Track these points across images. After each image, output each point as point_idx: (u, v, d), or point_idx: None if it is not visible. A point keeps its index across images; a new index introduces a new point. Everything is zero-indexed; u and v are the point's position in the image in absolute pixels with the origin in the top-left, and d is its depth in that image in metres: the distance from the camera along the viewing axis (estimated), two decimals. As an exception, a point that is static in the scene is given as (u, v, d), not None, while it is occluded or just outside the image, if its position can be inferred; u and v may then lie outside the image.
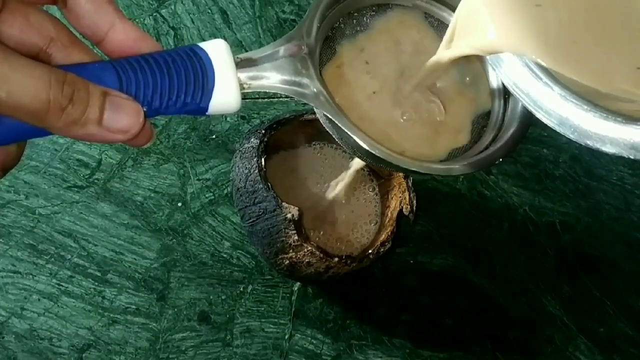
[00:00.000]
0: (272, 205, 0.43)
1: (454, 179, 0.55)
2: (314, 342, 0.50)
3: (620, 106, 0.27)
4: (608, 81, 0.28)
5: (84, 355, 0.49)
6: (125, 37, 0.25)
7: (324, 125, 0.35)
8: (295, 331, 0.50)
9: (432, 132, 0.35)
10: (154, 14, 0.59)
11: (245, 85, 0.28)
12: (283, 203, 0.43)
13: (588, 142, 0.27)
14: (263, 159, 0.44)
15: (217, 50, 0.26)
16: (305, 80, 0.29)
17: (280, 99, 0.58)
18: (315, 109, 0.33)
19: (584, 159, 0.56)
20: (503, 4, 0.29)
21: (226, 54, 0.27)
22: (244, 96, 0.27)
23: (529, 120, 0.33)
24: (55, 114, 0.22)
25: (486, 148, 0.34)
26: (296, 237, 0.42)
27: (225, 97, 0.27)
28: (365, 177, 0.51)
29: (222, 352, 0.49)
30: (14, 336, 0.49)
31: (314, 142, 0.51)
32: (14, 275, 0.51)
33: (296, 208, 0.43)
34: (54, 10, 0.26)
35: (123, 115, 0.24)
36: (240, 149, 0.46)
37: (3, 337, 0.49)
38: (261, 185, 0.43)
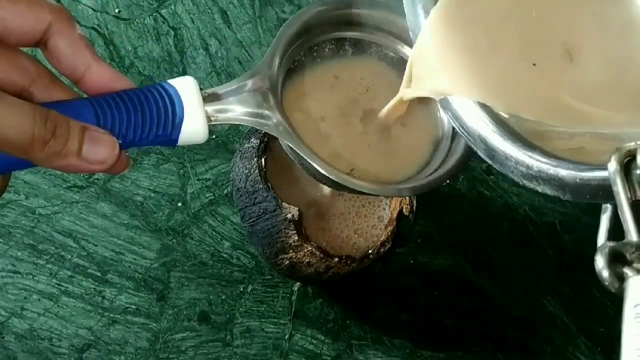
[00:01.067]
0: (272, 206, 0.43)
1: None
2: (314, 342, 0.50)
3: (558, 144, 0.29)
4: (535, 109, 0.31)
5: (84, 355, 0.49)
6: (100, 77, 0.28)
7: (287, 152, 0.37)
8: (295, 331, 0.50)
9: (387, 156, 0.38)
10: (154, 14, 0.59)
11: (212, 118, 0.30)
12: (283, 203, 0.43)
13: (525, 182, 0.29)
14: (263, 159, 0.44)
15: (185, 87, 0.29)
16: (267, 112, 0.32)
17: (280, 99, 0.58)
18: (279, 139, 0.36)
19: (584, 159, 0.56)
20: (451, 52, 0.32)
21: (194, 90, 0.29)
22: (211, 128, 0.30)
23: (471, 150, 0.34)
24: (39, 147, 0.24)
25: (435, 170, 0.36)
26: (296, 237, 0.42)
27: (193, 129, 0.29)
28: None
29: (222, 352, 0.49)
30: (14, 336, 0.49)
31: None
32: (14, 275, 0.51)
33: (296, 208, 0.43)
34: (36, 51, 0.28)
35: (100, 148, 0.26)
36: (240, 149, 0.46)
37: (3, 337, 0.49)
38: (261, 186, 0.43)
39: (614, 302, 0.52)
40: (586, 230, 0.54)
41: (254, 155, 0.44)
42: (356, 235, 0.48)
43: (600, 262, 0.24)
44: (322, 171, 0.33)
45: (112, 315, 0.50)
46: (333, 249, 0.47)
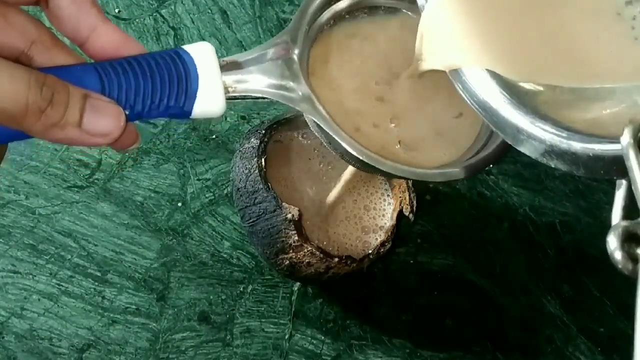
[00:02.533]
0: (272, 206, 0.43)
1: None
2: (314, 342, 0.50)
3: (573, 116, 0.27)
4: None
5: (84, 355, 0.49)
6: (108, 39, 0.25)
7: (312, 129, 0.34)
8: (295, 331, 0.50)
9: (426, 138, 0.34)
10: (154, 14, 0.59)
11: (230, 89, 0.27)
12: (283, 203, 0.43)
13: (538, 157, 0.27)
14: (263, 159, 0.44)
15: (201, 53, 0.26)
16: (291, 84, 0.29)
17: (280, 99, 0.58)
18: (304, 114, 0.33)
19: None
20: (460, 20, 0.30)
21: (211, 57, 0.26)
22: (230, 100, 0.27)
23: None
24: (34, 117, 0.22)
25: (477, 153, 0.33)
26: (296, 238, 0.42)
27: (209, 100, 0.26)
28: (371, 178, 0.51)
29: (222, 352, 0.49)
30: (14, 336, 0.49)
31: (315, 141, 0.51)
32: (14, 275, 0.51)
33: (296, 208, 0.43)
34: (35, 11, 0.26)
35: (103, 119, 0.24)
36: (240, 149, 0.46)
37: (3, 337, 0.49)
38: (261, 186, 0.43)
39: (614, 302, 0.52)
40: (586, 230, 0.54)
41: (254, 155, 0.44)
42: (356, 235, 0.49)
43: (612, 243, 0.22)
44: (352, 151, 0.30)
45: (112, 315, 0.50)
46: (333, 249, 0.47)
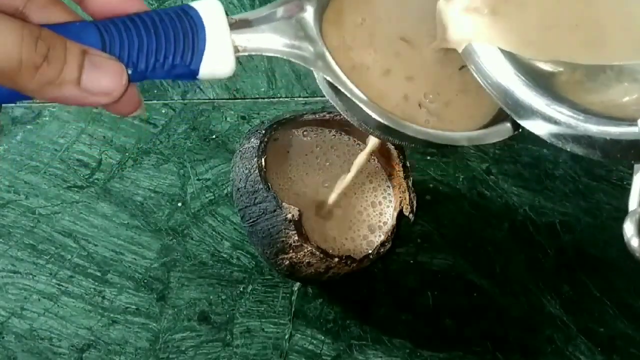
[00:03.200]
0: (272, 206, 0.43)
1: (454, 178, 0.55)
2: (314, 342, 0.50)
3: (591, 98, 0.27)
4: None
5: (84, 355, 0.49)
6: None
7: (326, 96, 0.32)
8: (295, 331, 0.50)
9: (448, 103, 0.33)
10: (154, 14, 0.59)
11: (240, 48, 0.26)
12: (283, 203, 0.43)
13: (553, 140, 0.27)
14: (263, 159, 0.44)
15: (209, 10, 0.25)
16: (305, 43, 0.27)
17: (280, 99, 0.58)
18: (316, 76, 0.31)
19: (584, 159, 0.56)
20: None
21: (220, 14, 0.25)
22: (239, 61, 0.26)
23: None
24: (28, 74, 0.20)
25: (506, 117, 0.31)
26: (296, 238, 0.42)
27: (217, 60, 0.25)
28: (373, 177, 0.51)
29: (222, 352, 0.49)
30: (14, 336, 0.49)
31: (315, 142, 0.51)
32: (14, 275, 0.51)
33: (296, 208, 0.43)
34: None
35: (104, 76, 0.22)
36: (240, 149, 0.46)
37: (3, 337, 0.49)
38: (261, 186, 0.43)
39: (614, 302, 0.52)
40: (586, 230, 0.54)
41: (254, 155, 0.44)
42: (356, 235, 0.48)
43: (629, 230, 0.22)
44: (371, 113, 0.28)
45: (112, 315, 0.50)
46: (333, 249, 0.47)
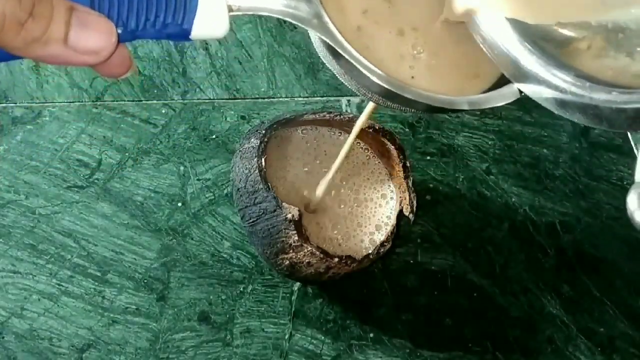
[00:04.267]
0: (272, 206, 0.43)
1: (454, 178, 0.55)
2: (314, 342, 0.50)
3: (600, 64, 0.26)
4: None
5: (84, 355, 0.49)
6: None
7: (323, 59, 0.31)
8: (295, 331, 0.50)
9: (447, 71, 0.32)
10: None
11: (234, 7, 0.25)
12: (283, 203, 0.43)
13: (560, 111, 0.26)
14: (263, 159, 0.44)
15: None
16: (301, 2, 0.27)
17: (280, 99, 0.58)
18: (313, 40, 0.30)
19: (584, 159, 0.57)
20: None
21: None
22: (232, 23, 0.25)
23: None
24: (13, 30, 0.20)
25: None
26: (296, 238, 0.42)
27: (211, 19, 0.24)
28: (373, 177, 0.51)
29: (222, 352, 0.49)
30: (14, 336, 0.49)
31: (315, 142, 0.51)
32: (14, 275, 0.51)
33: (296, 208, 0.42)
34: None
35: (92, 34, 0.21)
36: (240, 149, 0.46)
37: (3, 337, 0.49)
38: (261, 186, 0.43)
39: (614, 302, 0.52)
40: (586, 230, 0.54)
41: (254, 155, 0.44)
42: (356, 235, 0.48)
43: (633, 203, 0.21)
44: (368, 74, 0.28)
45: (112, 315, 0.50)
46: (333, 249, 0.47)
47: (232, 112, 0.57)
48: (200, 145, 0.56)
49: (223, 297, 0.51)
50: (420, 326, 0.51)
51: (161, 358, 0.49)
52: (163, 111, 0.57)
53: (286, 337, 0.50)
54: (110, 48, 0.22)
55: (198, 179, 0.54)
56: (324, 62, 0.32)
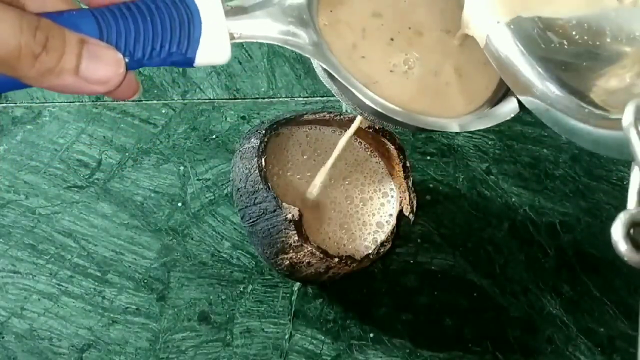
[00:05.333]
0: (272, 206, 0.43)
1: (454, 178, 0.55)
2: (314, 342, 0.50)
3: (613, 83, 0.27)
4: None
5: (84, 355, 0.49)
6: None
7: (321, 80, 0.32)
8: (295, 331, 0.50)
9: (439, 94, 0.33)
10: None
11: (235, 35, 0.26)
12: (283, 203, 0.43)
13: (564, 135, 0.27)
14: (263, 159, 0.44)
15: None
16: (300, 30, 0.28)
17: (280, 99, 0.58)
18: (312, 61, 0.31)
19: (584, 159, 0.56)
20: None
21: (215, 1, 0.25)
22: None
23: None
24: (28, 62, 0.21)
25: (497, 103, 0.32)
26: (296, 238, 0.42)
27: (213, 47, 0.25)
28: (373, 177, 0.51)
29: (222, 352, 0.49)
30: (14, 336, 0.49)
31: (315, 142, 0.51)
32: (14, 275, 0.51)
33: (296, 208, 0.43)
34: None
35: (102, 65, 0.23)
36: (240, 149, 0.46)
37: (3, 337, 0.49)
38: (261, 186, 0.43)
39: (614, 302, 0.52)
40: (586, 230, 0.54)
41: (254, 155, 0.44)
42: (356, 235, 0.48)
43: (616, 233, 0.20)
44: (363, 99, 0.29)
45: (112, 315, 0.50)
46: (333, 249, 0.47)
47: (232, 112, 0.57)
48: (200, 145, 0.56)
49: (223, 297, 0.51)
50: (420, 326, 0.51)
51: (161, 358, 0.49)
52: (163, 111, 0.57)
53: (286, 337, 0.50)
54: (119, 77, 0.23)
55: (198, 179, 0.54)
56: (322, 81, 0.33)
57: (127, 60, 0.24)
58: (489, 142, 0.57)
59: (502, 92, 0.33)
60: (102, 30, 0.23)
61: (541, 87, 0.27)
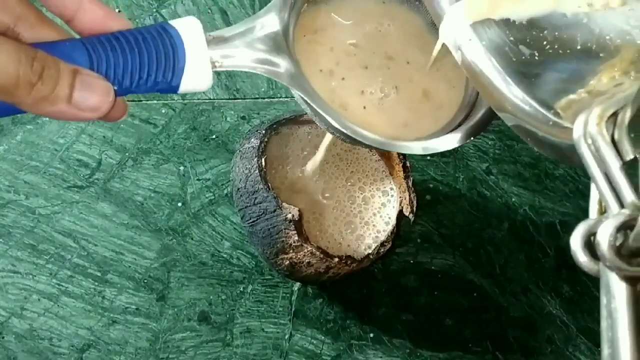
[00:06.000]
0: (272, 206, 0.43)
1: (454, 178, 0.55)
2: (314, 342, 0.50)
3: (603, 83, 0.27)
4: None
5: (84, 355, 0.49)
6: (93, 16, 0.25)
7: (298, 102, 0.34)
8: (295, 331, 0.50)
9: (412, 110, 0.35)
10: (154, 14, 0.59)
11: (217, 64, 0.27)
12: (283, 203, 0.43)
13: (536, 147, 0.27)
14: (263, 159, 0.44)
15: (188, 28, 0.26)
16: (277, 59, 0.29)
17: (280, 99, 0.58)
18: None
19: (584, 159, 0.56)
20: None
21: (198, 32, 0.27)
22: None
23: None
24: (25, 90, 0.23)
25: (458, 126, 0.34)
26: (296, 238, 0.42)
27: (196, 75, 0.27)
28: (373, 177, 0.51)
29: (222, 352, 0.49)
30: (14, 336, 0.49)
31: (315, 142, 0.51)
32: (14, 275, 0.51)
33: (296, 208, 0.43)
34: None
35: (93, 94, 0.24)
36: (240, 149, 0.46)
37: (3, 337, 0.49)
38: (261, 186, 0.43)
39: (614, 302, 0.52)
40: (586, 230, 0.54)
41: (254, 155, 0.44)
42: (356, 235, 0.49)
43: (575, 243, 0.21)
44: (336, 125, 0.30)
45: (112, 315, 0.50)
46: (333, 249, 0.47)
47: (232, 112, 0.57)
48: (200, 145, 0.56)
49: (223, 297, 0.51)
50: (420, 326, 0.51)
51: (161, 358, 0.49)
52: (163, 111, 0.57)
53: (286, 337, 0.50)
54: (109, 105, 0.25)
55: (198, 179, 0.54)
56: (298, 102, 0.35)
57: (115, 88, 0.25)
58: (489, 142, 0.57)
59: (465, 112, 0.35)
60: (93, 60, 0.25)
61: (513, 100, 0.28)
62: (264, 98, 0.58)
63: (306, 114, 0.48)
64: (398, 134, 0.34)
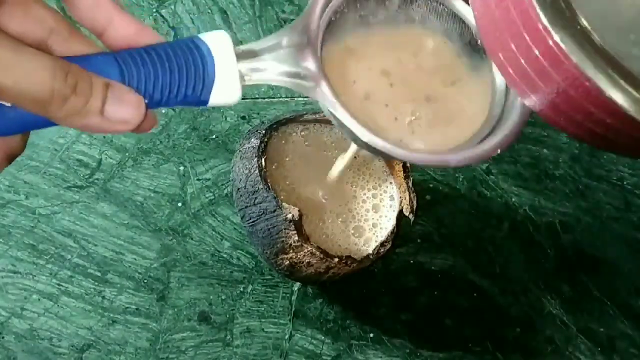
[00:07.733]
0: (272, 206, 0.43)
1: (454, 178, 0.55)
2: (314, 342, 0.50)
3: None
4: None
5: (84, 355, 0.49)
6: (124, 31, 0.26)
7: (325, 114, 0.34)
8: (295, 331, 0.50)
9: (440, 123, 0.35)
10: (154, 14, 0.59)
11: (246, 78, 0.28)
12: (283, 203, 0.43)
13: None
14: (263, 159, 0.44)
15: (217, 42, 0.27)
16: (305, 72, 0.29)
17: (280, 99, 0.58)
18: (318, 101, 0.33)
19: (584, 159, 0.56)
20: None
21: (227, 46, 0.27)
22: (245, 88, 0.27)
23: (528, 111, 0.32)
24: (58, 104, 0.23)
25: (483, 140, 0.33)
26: (296, 238, 0.42)
27: (225, 89, 0.27)
28: (373, 177, 0.51)
29: (222, 352, 0.49)
30: (14, 336, 0.49)
31: (315, 142, 0.51)
32: (14, 275, 0.51)
33: (296, 208, 0.43)
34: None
35: (124, 107, 0.25)
36: (240, 149, 0.46)
37: (3, 337, 0.49)
38: (261, 186, 0.43)
39: (614, 302, 0.52)
40: (586, 230, 0.54)
41: (254, 155, 0.44)
42: (356, 235, 0.48)
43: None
44: (366, 140, 0.30)
45: (112, 315, 0.50)
46: (333, 249, 0.47)
47: (232, 112, 0.57)
48: (200, 145, 0.56)
49: (223, 297, 0.51)
50: (420, 326, 0.51)
51: (161, 358, 0.49)
52: (163, 111, 0.57)
53: (286, 337, 0.50)
54: (140, 118, 0.25)
55: (198, 179, 0.54)
56: (326, 115, 0.35)
57: (146, 101, 0.25)
58: (489, 142, 0.57)
59: (487, 130, 0.35)
60: (124, 74, 0.25)
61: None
62: (264, 98, 0.58)
63: (306, 113, 0.48)
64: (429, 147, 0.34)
